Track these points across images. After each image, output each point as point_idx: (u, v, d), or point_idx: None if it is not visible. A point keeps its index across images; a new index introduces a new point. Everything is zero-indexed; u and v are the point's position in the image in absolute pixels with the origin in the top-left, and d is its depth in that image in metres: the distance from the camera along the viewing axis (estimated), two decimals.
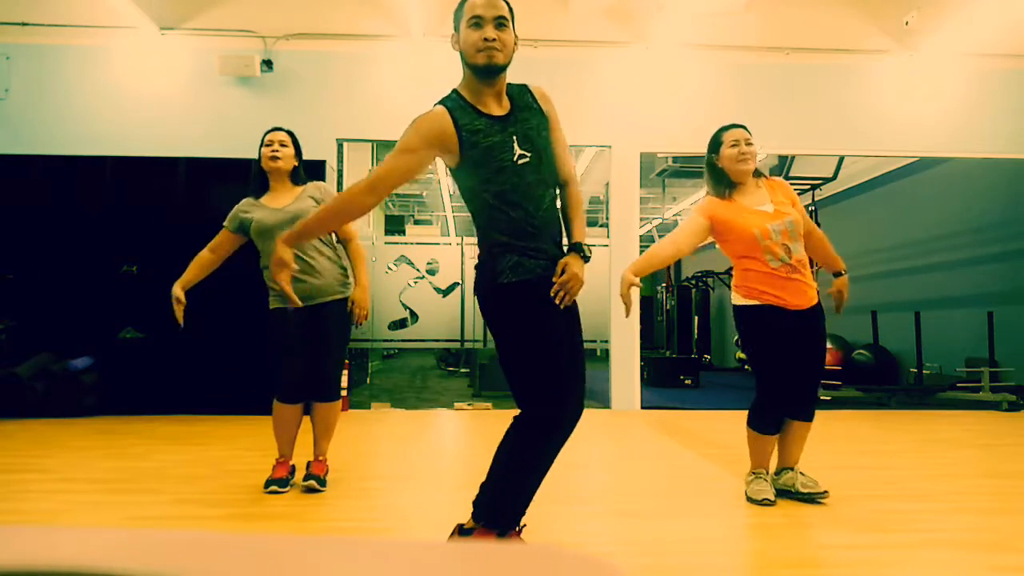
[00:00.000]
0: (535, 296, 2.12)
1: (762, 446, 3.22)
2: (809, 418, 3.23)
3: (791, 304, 3.09)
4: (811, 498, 3.15)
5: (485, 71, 2.10)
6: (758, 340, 3.15)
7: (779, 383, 3.15)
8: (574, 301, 2.20)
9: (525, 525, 2.29)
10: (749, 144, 3.12)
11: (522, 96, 2.22)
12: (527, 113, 2.19)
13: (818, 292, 3.22)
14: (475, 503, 2.23)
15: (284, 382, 3.30)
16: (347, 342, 3.48)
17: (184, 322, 3.19)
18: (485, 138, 2.11)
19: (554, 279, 2.13)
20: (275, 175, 3.37)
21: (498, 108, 2.17)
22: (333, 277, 3.31)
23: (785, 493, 3.23)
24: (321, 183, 3.50)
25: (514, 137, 2.13)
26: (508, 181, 2.11)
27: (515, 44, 2.15)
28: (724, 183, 3.17)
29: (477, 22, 2.08)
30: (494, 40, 2.07)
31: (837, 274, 3.33)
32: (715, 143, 3.20)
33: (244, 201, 3.39)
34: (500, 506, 2.21)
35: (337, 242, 3.45)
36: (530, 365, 2.12)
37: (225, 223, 3.38)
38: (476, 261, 2.26)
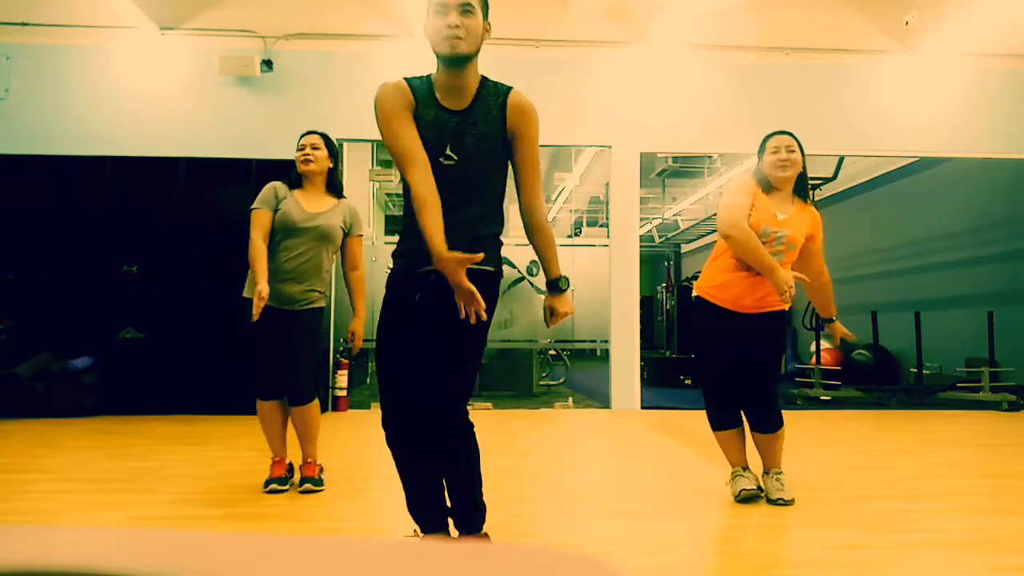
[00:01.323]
0: (396, 282, 2.24)
1: (723, 442, 3.29)
2: (765, 430, 3.18)
3: (728, 303, 3.15)
4: (778, 503, 3.12)
5: (447, 61, 2.06)
6: (695, 333, 3.33)
7: (709, 379, 3.28)
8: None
9: None
10: (791, 151, 3.11)
11: (494, 99, 2.12)
12: (481, 118, 2.11)
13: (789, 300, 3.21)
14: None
15: (259, 379, 3.34)
16: (317, 350, 3.49)
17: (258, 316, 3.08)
18: (426, 130, 2.09)
19: (546, 323, 2.25)
20: (309, 177, 3.36)
21: (457, 102, 2.11)
22: (314, 288, 3.34)
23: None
24: (355, 208, 3.48)
25: (451, 139, 2.09)
26: None
27: (486, 31, 2.09)
28: (764, 184, 3.18)
29: (441, 9, 2.03)
30: (457, 27, 2.00)
31: (829, 320, 3.38)
32: (761, 147, 3.22)
33: (276, 184, 3.33)
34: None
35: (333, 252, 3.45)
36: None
37: (262, 206, 3.27)
38: None
